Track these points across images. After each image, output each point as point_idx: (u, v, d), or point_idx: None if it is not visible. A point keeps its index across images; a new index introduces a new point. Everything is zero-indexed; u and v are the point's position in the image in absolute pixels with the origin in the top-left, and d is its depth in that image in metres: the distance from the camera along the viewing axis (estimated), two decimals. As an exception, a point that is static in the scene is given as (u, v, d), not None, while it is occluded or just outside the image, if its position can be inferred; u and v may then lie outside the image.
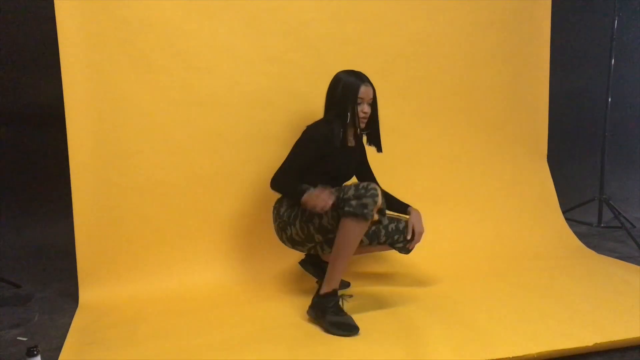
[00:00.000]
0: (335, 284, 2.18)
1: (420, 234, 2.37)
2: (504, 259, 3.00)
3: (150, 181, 2.72)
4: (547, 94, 3.53)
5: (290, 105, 2.91)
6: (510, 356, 1.85)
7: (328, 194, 2.12)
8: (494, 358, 1.84)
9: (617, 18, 3.67)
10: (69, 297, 2.59)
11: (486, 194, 3.37)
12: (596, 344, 1.93)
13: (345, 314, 2.14)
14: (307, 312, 2.23)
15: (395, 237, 2.37)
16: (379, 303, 2.37)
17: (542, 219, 3.40)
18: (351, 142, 2.46)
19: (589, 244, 3.24)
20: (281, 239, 2.38)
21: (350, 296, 2.32)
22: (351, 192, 2.11)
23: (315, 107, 2.99)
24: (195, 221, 2.78)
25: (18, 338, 2.16)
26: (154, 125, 2.73)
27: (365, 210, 2.08)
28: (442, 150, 3.30)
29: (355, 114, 2.34)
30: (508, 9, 3.36)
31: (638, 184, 4.96)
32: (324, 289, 2.18)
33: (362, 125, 2.39)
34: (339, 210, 2.13)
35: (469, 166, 3.36)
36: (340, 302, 2.19)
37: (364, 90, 2.33)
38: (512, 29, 3.40)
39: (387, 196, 2.48)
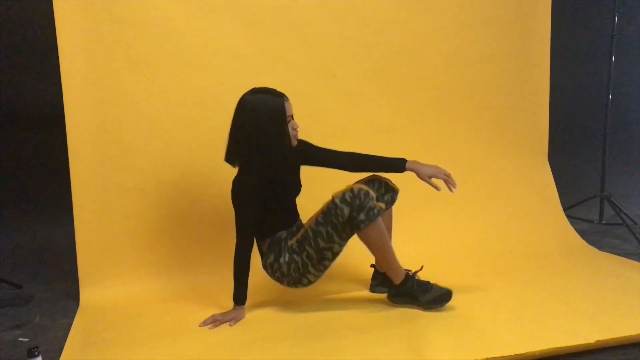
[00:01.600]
0: (402, 271, 2.25)
1: (445, 173, 2.27)
2: (505, 256, 2.99)
3: (150, 181, 2.72)
4: (548, 91, 3.52)
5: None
6: (512, 354, 1.85)
7: (237, 320, 2.19)
8: (496, 356, 1.84)
9: (617, 14, 3.66)
10: (70, 297, 2.59)
11: (487, 192, 3.36)
12: (598, 341, 1.93)
13: (431, 287, 2.24)
14: (392, 300, 2.32)
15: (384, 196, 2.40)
16: (380, 302, 2.36)
17: (543, 216, 3.39)
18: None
19: (590, 241, 3.24)
20: (296, 288, 2.29)
21: (421, 268, 2.35)
22: (347, 210, 2.10)
23: (314, 106, 2.99)
24: (196, 221, 2.78)
25: (19, 339, 2.16)
26: (153, 125, 2.73)
27: (375, 212, 2.11)
28: (442, 149, 3.29)
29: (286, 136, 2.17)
30: (508, 7, 3.35)
31: (639, 181, 4.95)
32: (397, 280, 2.25)
33: (295, 142, 2.25)
34: (353, 231, 2.15)
35: (469, 164, 3.35)
36: (417, 277, 2.27)
37: (288, 107, 2.18)
38: (513, 27, 3.39)
39: (376, 161, 2.32)
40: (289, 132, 2.19)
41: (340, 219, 2.11)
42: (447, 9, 3.21)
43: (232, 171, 2.75)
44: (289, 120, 2.19)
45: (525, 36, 3.42)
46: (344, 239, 2.18)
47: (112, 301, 2.49)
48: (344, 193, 2.13)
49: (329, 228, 2.14)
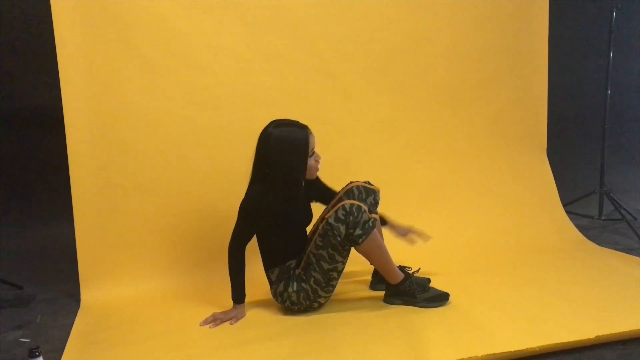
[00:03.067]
0: (400, 275, 2.27)
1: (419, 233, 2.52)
2: (504, 252, 3.00)
3: (150, 181, 2.72)
4: (546, 87, 3.52)
5: (289, 103, 2.91)
6: (512, 350, 1.85)
7: (237, 319, 2.21)
8: (495, 352, 1.84)
9: (615, 10, 3.66)
10: (71, 298, 2.60)
11: (486, 188, 3.36)
12: (597, 336, 1.93)
13: (429, 287, 2.27)
14: (389, 301, 2.31)
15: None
16: (378, 300, 2.37)
17: (542, 212, 3.39)
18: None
19: (590, 237, 3.24)
20: (307, 312, 2.28)
21: (418, 270, 2.41)
22: (343, 228, 2.10)
23: (313, 104, 2.99)
24: (196, 220, 2.78)
25: (20, 339, 2.17)
26: (153, 124, 2.73)
27: (370, 224, 2.13)
28: (440, 145, 3.29)
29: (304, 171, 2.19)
30: (506, 3, 3.35)
31: (638, 176, 4.96)
32: (395, 281, 2.27)
33: (315, 176, 2.27)
34: (352, 247, 2.16)
35: (468, 160, 3.35)
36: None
37: (312, 140, 2.18)
38: (510, 23, 3.39)
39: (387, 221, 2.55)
40: (306, 166, 2.18)
41: (338, 238, 2.11)
42: (444, 6, 3.21)
43: (232, 171, 2.76)
44: (312, 154, 2.19)
45: (523, 32, 3.43)
46: (345, 256, 2.19)
47: (113, 301, 2.50)
48: (336, 211, 2.13)
49: (329, 249, 2.15)
